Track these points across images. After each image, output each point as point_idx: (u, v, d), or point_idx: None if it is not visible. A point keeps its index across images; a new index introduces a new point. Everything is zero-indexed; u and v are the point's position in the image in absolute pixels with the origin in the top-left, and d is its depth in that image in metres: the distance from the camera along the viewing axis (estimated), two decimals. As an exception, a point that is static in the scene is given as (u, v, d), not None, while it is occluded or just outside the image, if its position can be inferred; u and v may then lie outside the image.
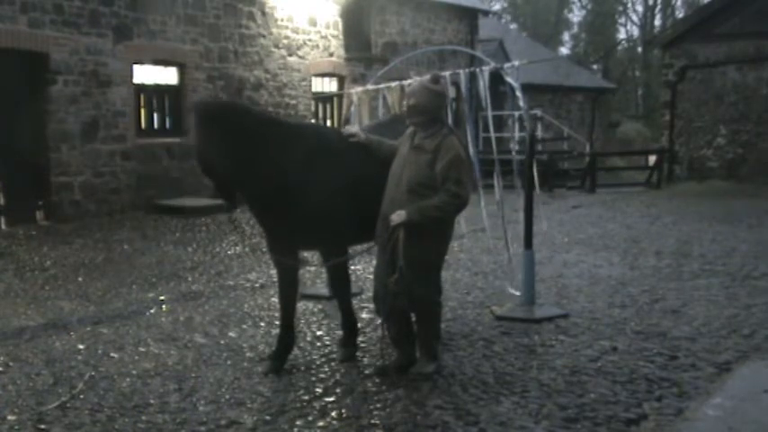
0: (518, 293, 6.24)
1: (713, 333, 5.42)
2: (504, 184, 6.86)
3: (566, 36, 47.74)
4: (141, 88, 12.42)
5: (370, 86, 7.79)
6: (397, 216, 4.24)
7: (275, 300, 5.93)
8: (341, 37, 16.32)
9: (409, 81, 7.18)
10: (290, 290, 4.86)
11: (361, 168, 4.62)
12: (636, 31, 45.65)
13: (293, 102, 15.13)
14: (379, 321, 4.71)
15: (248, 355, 5.12)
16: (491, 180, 7.07)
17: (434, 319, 4.63)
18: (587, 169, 18.61)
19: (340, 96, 15.19)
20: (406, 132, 4.55)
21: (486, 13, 22.87)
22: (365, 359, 4.98)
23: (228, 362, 4.99)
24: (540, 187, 7.80)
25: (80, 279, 7.79)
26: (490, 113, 6.68)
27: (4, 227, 10.38)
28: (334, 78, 16.48)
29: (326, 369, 4.79)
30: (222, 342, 5.45)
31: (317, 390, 4.42)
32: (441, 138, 4.34)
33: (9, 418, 4.10)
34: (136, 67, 12.17)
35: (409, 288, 4.37)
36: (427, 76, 4.51)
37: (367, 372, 4.70)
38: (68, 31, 11.03)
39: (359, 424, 3.92)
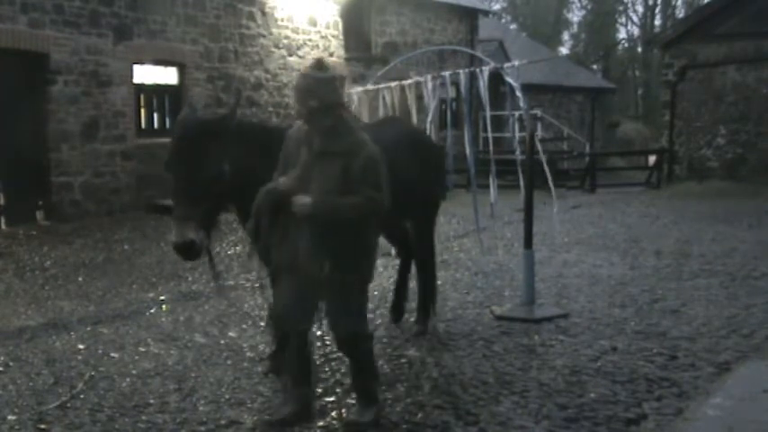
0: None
1: (713, 333, 5.42)
2: (504, 184, 6.87)
3: (565, 36, 47.78)
4: (141, 88, 12.41)
5: (370, 86, 7.79)
6: (302, 206, 3.49)
7: (275, 300, 5.92)
8: (341, 37, 16.32)
9: (409, 81, 7.20)
10: None
11: None
12: (636, 31, 45.68)
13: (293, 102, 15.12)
14: (272, 349, 4.14)
15: (248, 355, 5.12)
16: (490, 180, 7.07)
17: (367, 355, 3.89)
18: (587, 169, 18.63)
19: (340, 96, 15.16)
20: (294, 136, 3.73)
21: (486, 13, 22.88)
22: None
23: (228, 362, 4.99)
24: (554, 188, 7.78)
25: (80, 279, 7.79)
26: (488, 113, 6.68)
27: (4, 227, 10.38)
28: (335, 78, 16.46)
29: (326, 369, 4.79)
30: (222, 342, 5.45)
31: (317, 390, 4.42)
32: (352, 135, 3.60)
33: (9, 417, 4.10)
34: (136, 67, 12.16)
35: (333, 321, 3.75)
36: (309, 67, 3.61)
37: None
38: (68, 31, 11.03)
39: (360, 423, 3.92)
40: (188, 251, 3.69)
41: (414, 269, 5.62)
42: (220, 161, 3.67)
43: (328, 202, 3.51)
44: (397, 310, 5.77)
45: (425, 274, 5.49)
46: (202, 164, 3.63)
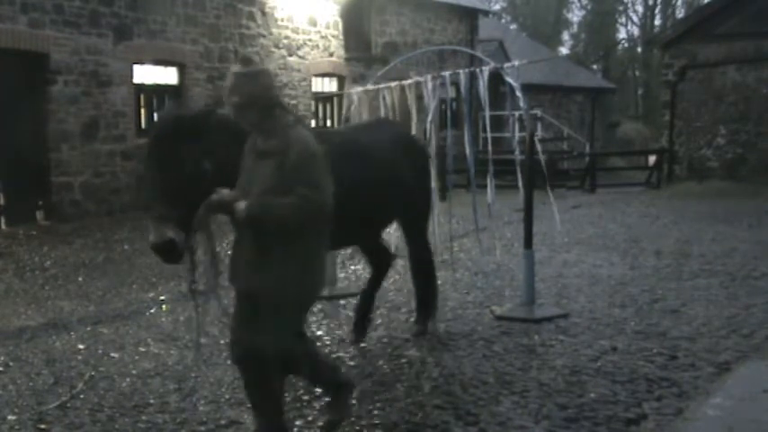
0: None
1: (713, 333, 5.42)
2: (504, 184, 6.86)
3: (565, 36, 47.81)
4: (141, 88, 12.42)
5: (370, 86, 7.79)
6: (239, 212, 3.29)
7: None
8: (341, 37, 16.33)
9: (409, 81, 7.19)
10: None
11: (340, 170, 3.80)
12: (636, 31, 45.70)
13: (293, 102, 15.14)
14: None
15: (248, 355, 5.12)
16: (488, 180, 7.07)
17: (310, 367, 3.63)
18: (587, 169, 18.64)
19: (340, 96, 15.20)
20: (247, 145, 3.53)
21: (486, 13, 22.89)
22: (365, 359, 4.98)
23: (228, 362, 4.98)
24: (555, 188, 7.77)
25: (80, 279, 7.79)
26: (488, 113, 6.68)
27: (4, 227, 10.38)
28: (334, 78, 16.48)
29: (326, 369, 4.79)
30: (222, 342, 5.45)
31: (317, 390, 4.42)
32: (285, 132, 3.34)
33: (9, 417, 4.10)
34: (136, 67, 12.17)
35: (266, 335, 3.33)
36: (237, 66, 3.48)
37: (367, 371, 4.70)
38: (68, 31, 11.04)
39: (359, 424, 3.92)
40: (168, 252, 3.45)
41: (395, 271, 5.45)
42: (200, 159, 3.43)
43: (262, 205, 3.25)
44: (360, 326, 5.33)
45: (425, 274, 5.43)
46: (180, 162, 3.41)
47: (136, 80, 12.22)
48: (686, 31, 17.05)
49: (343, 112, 9.45)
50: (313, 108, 15.85)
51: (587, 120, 28.02)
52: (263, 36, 14.43)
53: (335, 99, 16.11)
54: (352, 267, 7.96)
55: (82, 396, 4.40)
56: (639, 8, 45.21)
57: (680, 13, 41.00)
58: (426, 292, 5.48)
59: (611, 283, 7.09)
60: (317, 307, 6.41)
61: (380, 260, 5.40)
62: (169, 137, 3.47)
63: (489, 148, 6.91)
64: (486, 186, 6.95)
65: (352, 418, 3.98)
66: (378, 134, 4.96)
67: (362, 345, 5.25)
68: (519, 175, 6.82)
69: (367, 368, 4.78)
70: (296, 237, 3.28)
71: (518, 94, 6.37)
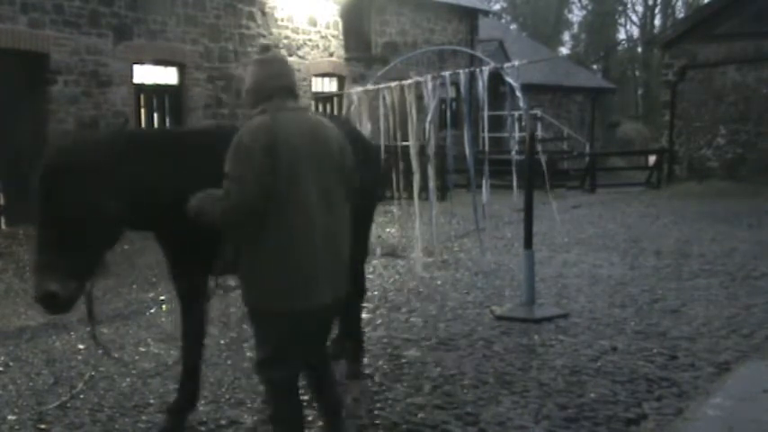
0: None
1: (713, 333, 5.42)
2: (504, 184, 6.87)
3: (566, 36, 47.82)
4: (141, 88, 12.41)
5: (370, 86, 7.80)
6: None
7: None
8: (341, 37, 16.33)
9: (409, 81, 7.21)
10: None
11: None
12: (636, 31, 45.72)
13: (293, 102, 15.12)
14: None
15: (248, 354, 5.12)
16: (492, 180, 7.09)
17: (273, 400, 3.18)
18: (587, 169, 18.64)
19: (340, 96, 15.20)
20: None
21: (486, 13, 22.89)
22: (365, 359, 4.97)
23: (228, 362, 4.99)
24: (555, 188, 7.75)
25: (80, 279, 7.78)
26: (486, 113, 6.70)
27: (4, 227, 10.38)
28: (334, 78, 16.48)
29: (326, 369, 4.79)
30: (222, 342, 5.45)
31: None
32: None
33: (9, 417, 4.11)
34: (136, 67, 12.17)
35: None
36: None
37: (367, 372, 4.70)
38: (68, 31, 11.03)
39: (359, 424, 3.92)
40: (49, 305, 3.01)
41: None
42: (97, 195, 2.98)
43: (198, 198, 3.04)
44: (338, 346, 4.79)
45: (355, 290, 4.49)
46: (66, 201, 2.91)
47: (136, 80, 12.21)
48: (686, 31, 17.05)
49: (343, 112, 9.44)
50: (313, 108, 15.85)
51: (587, 120, 28.01)
52: (263, 36, 14.43)
53: (335, 99, 16.11)
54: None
55: (82, 396, 4.40)
56: (639, 8, 45.28)
57: (680, 13, 41.03)
58: (353, 318, 4.83)
59: (611, 283, 7.09)
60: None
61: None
62: (51, 172, 2.96)
63: (486, 148, 6.93)
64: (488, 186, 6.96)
65: (352, 418, 3.98)
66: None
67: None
68: (515, 176, 6.84)
69: (367, 368, 4.77)
70: (244, 239, 2.98)
71: (518, 94, 6.39)
